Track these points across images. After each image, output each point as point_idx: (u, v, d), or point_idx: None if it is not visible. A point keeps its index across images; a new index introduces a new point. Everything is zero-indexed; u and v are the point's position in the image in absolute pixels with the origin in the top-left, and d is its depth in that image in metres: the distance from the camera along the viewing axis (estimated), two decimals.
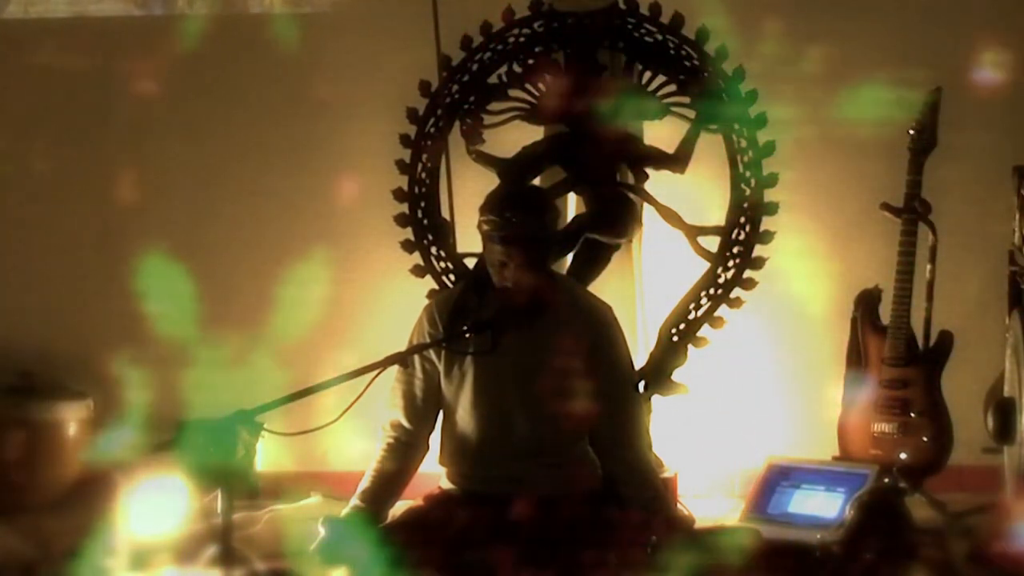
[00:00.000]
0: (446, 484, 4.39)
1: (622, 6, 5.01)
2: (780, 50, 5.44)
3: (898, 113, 5.15)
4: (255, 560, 4.45)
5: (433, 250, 5.08)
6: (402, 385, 4.35)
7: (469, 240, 4.72)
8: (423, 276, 5.09)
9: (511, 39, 5.05)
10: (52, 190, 5.70)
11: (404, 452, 4.35)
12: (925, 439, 5.02)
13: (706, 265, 4.99)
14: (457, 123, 5.07)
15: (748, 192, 4.95)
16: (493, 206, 4.24)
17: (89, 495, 5.19)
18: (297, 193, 5.65)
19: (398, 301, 5.26)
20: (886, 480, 4.90)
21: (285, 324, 5.38)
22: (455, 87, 5.06)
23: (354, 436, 4.55)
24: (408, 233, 5.10)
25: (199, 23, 5.72)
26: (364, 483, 4.34)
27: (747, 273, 4.97)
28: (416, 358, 4.33)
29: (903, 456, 5.01)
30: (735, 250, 4.97)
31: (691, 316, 4.99)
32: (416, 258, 5.10)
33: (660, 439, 4.85)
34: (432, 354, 4.33)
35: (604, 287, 4.93)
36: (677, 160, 4.98)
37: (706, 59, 4.93)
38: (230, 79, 5.66)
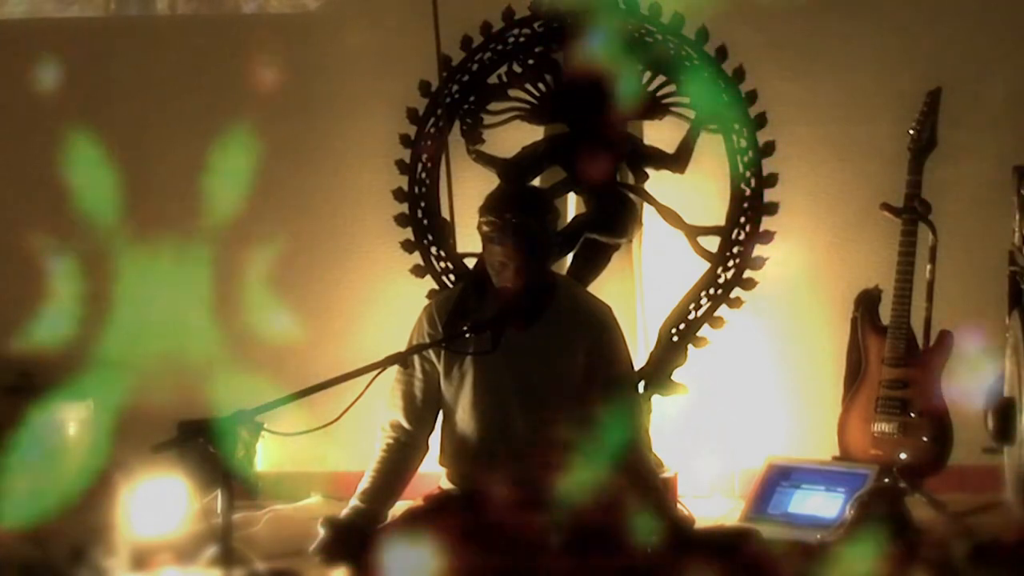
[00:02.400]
0: (446, 484, 4.39)
1: (622, 6, 5.01)
2: (780, 50, 5.44)
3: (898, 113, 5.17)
4: (255, 560, 4.45)
5: (433, 250, 5.08)
6: (402, 385, 4.35)
7: (469, 240, 4.72)
8: (423, 276, 5.09)
9: (511, 39, 5.05)
10: (51, 192, 5.69)
11: (404, 452, 4.35)
12: (925, 439, 5.02)
13: (706, 265, 5.00)
14: (457, 123, 5.07)
15: (748, 192, 4.95)
16: (493, 207, 4.24)
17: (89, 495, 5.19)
18: (297, 193, 5.64)
19: (398, 301, 5.26)
20: (886, 480, 4.90)
21: (289, 327, 5.40)
22: (455, 87, 5.06)
23: (354, 436, 4.55)
24: (408, 233, 5.10)
25: (198, 23, 5.73)
26: (364, 483, 4.34)
27: (747, 273, 4.97)
28: (416, 359, 4.33)
29: (903, 456, 5.02)
30: (735, 250, 4.97)
31: (691, 316, 4.99)
32: (416, 258, 5.10)
33: (660, 439, 4.85)
34: (432, 354, 4.32)
35: (604, 287, 4.93)
36: (677, 160, 4.98)
37: (706, 59, 4.93)
38: (230, 79, 5.65)
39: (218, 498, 3.71)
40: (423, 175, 5.08)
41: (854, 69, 5.49)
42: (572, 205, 5.16)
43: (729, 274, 4.98)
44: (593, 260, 5.04)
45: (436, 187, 5.07)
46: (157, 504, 4.94)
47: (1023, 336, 4.86)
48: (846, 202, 5.52)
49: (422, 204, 5.09)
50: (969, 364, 5.12)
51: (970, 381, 5.13)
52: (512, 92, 5.04)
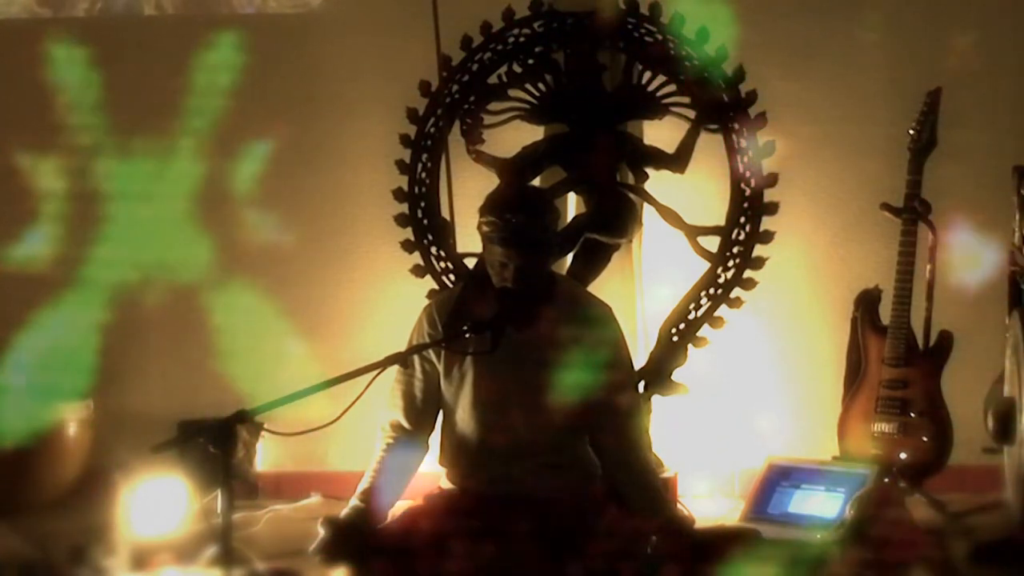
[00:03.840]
0: (446, 484, 4.39)
1: (622, 6, 5.01)
2: (780, 50, 5.44)
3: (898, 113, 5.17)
4: (255, 560, 4.45)
5: (433, 250, 5.08)
6: (402, 386, 4.35)
7: (469, 240, 4.72)
8: (423, 276, 5.09)
9: (511, 39, 5.05)
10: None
11: (404, 452, 4.35)
12: (925, 439, 5.02)
13: (706, 265, 4.99)
14: (457, 123, 5.07)
15: (748, 192, 4.95)
16: (493, 207, 4.23)
17: (89, 495, 5.20)
18: (297, 193, 5.65)
19: (398, 301, 5.26)
20: (886, 480, 4.90)
21: (290, 326, 5.41)
22: (455, 87, 5.06)
23: (354, 436, 4.55)
24: (408, 233, 5.10)
25: (199, 23, 5.73)
26: (364, 483, 4.33)
27: (747, 273, 4.97)
28: (416, 358, 4.33)
29: (903, 456, 5.02)
30: (735, 250, 4.97)
31: (691, 316, 4.99)
32: (416, 258, 5.10)
33: (660, 439, 4.85)
34: (432, 354, 4.32)
35: (604, 287, 4.93)
36: (677, 160, 4.98)
37: (706, 59, 4.93)
38: (230, 80, 5.65)
39: (218, 498, 3.71)
40: (423, 175, 5.08)
41: (854, 69, 5.49)
42: (572, 205, 5.16)
43: (729, 274, 4.98)
44: (593, 260, 5.04)
45: (436, 187, 5.07)
46: (157, 504, 4.94)
47: (1023, 336, 4.86)
48: (846, 202, 5.52)
49: (422, 204, 5.09)
50: (969, 364, 5.12)
51: (970, 381, 5.13)
52: (512, 92, 5.04)
